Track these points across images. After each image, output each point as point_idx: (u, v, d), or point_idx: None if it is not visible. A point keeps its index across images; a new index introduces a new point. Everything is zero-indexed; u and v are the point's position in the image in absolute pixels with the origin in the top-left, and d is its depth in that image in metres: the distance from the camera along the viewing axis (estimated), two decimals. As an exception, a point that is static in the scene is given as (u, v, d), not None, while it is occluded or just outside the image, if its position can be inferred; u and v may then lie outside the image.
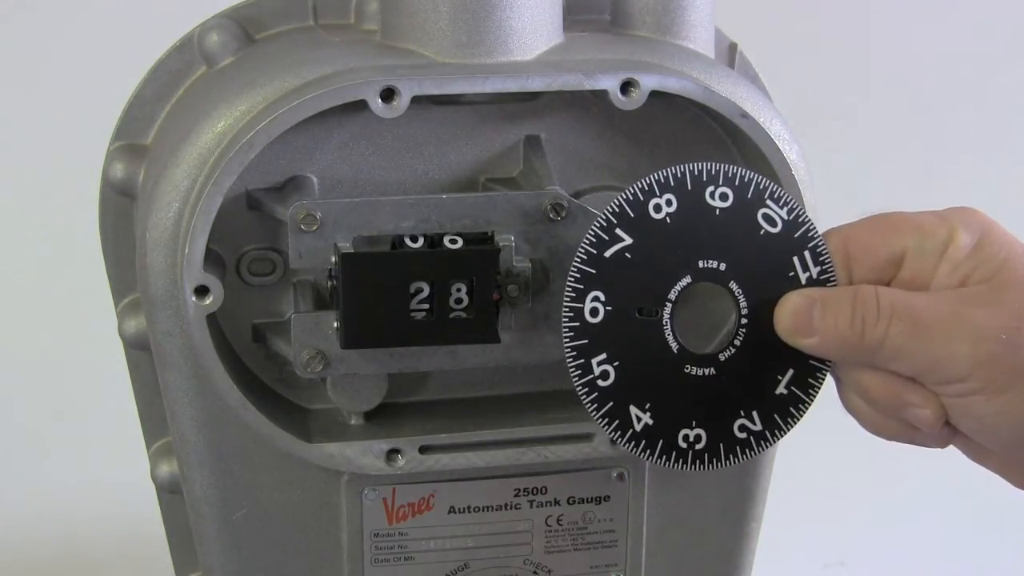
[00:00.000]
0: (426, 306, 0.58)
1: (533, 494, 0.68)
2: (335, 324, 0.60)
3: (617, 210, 0.56)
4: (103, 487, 1.21)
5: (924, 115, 1.41)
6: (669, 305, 0.57)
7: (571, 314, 0.56)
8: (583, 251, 0.56)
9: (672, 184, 0.56)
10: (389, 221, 0.59)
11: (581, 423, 0.64)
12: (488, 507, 0.68)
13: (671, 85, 0.60)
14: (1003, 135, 1.44)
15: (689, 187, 0.56)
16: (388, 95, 0.58)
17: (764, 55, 0.72)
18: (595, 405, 0.57)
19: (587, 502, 0.68)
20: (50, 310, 1.26)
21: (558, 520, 0.68)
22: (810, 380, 0.58)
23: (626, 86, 0.60)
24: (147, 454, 0.72)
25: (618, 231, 0.56)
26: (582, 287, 0.56)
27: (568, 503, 0.68)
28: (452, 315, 0.59)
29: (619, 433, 0.57)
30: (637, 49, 0.63)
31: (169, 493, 0.72)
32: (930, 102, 1.42)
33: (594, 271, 0.56)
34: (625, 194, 0.56)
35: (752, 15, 0.95)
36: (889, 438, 0.58)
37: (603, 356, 0.57)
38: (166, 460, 0.70)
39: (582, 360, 0.57)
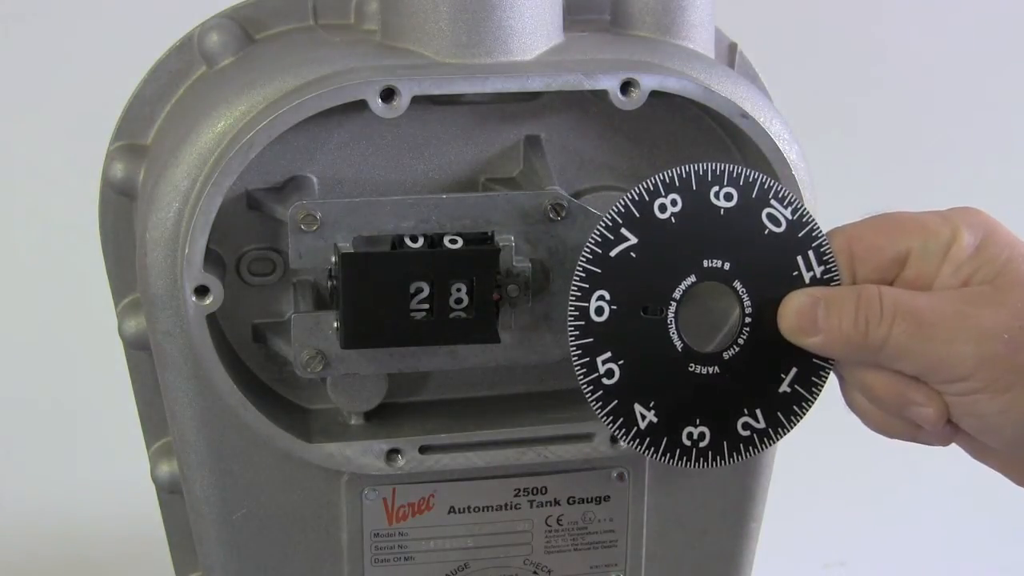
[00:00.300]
0: (426, 306, 0.58)
1: (533, 494, 0.68)
2: (335, 324, 0.60)
3: (623, 210, 0.56)
4: (103, 487, 1.21)
5: (924, 114, 1.41)
6: (674, 304, 0.57)
7: (576, 313, 0.57)
8: (588, 250, 0.56)
9: (677, 184, 0.56)
10: (389, 221, 0.59)
11: (581, 423, 0.64)
12: (488, 507, 0.68)
13: (671, 85, 0.60)
14: (1004, 134, 1.44)
15: (694, 187, 0.56)
16: (388, 95, 0.58)
17: (764, 55, 0.72)
18: (600, 403, 0.57)
19: (587, 502, 0.68)
20: (50, 310, 1.26)
21: (558, 520, 0.68)
22: (813, 378, 0.58)
23: (626, 86, 0.60)
24: (147, 454, 0.72)
25: (623, 231, 0.56)
26: (587, 286, 0.56)
27: (568, 503, 0.68)
28: (452, 315, 0.59)
29: (624, 431, 0.58)
30: (637, 49, 0.63)
31: (169, 493, 0.72)
32: (930, 101, 1.41)
33: (599, 270, 0.56)
34: (631, 194, 0.56)
35: (752, 15, 0.95)
36: (892, 436, 0.58)
37: (608, 355, 0.57)
38: (166, 460, 0.70)
39: (587, 359, 0.57)
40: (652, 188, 0.56)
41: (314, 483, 0.66)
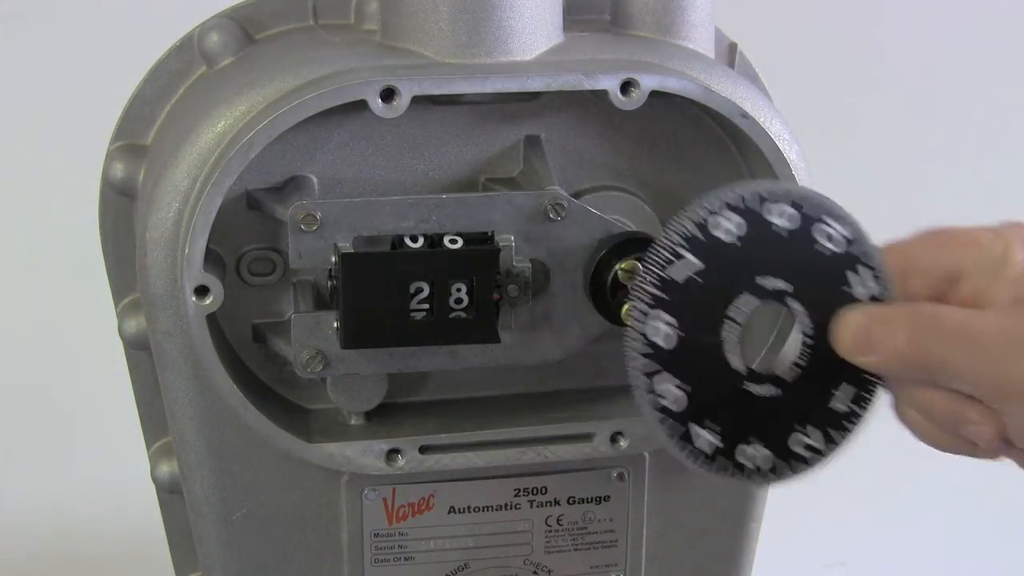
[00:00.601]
0: (426, 306, 0.58)
1: (533, 494, 0.68)
2: (335, 324, 0.60)
3: (687, 234, 0.55)
4: (103, 487, 1.21)
5: (924, 114, 1.41)
6: (734, 325, 0.56)
7: (643, 340, 0.55)
8: (654, 276, 0.55)
9: (736, 205, 0.55)
10: (389, 221, 0.59)
11: (581, 423, 0.64)
12: (488, 507, 0.68)
13: (671, 85, 0.60)
14: (1004, 134, 1.44)
15: (753, 207, 0.55)
16: (388, 95, 0.58)
17: (764, 55, 0.72)
18: (669, 431, 0.56)
19: (587, 502, 0.68)
20: (50, 310, 1.26)
21: (558, 520, 0.68)
22: (866, 395, 0.57)
23: (626, 86, 0.60)
24: (147, 454, 0.72)
25: (687, 255, 0.55)
26: (654, 312, 0.55)
27: (568, 503, 0.68)
28: (452, 315, 0.59)
29: (692, 458, 0.57)
30: (637, 49, 0.63)
31: (169, 493, 0.72)
32: (930, 101, 1.41)
33: (666, 296, 0.55)
34: (693, 216, 0.55)
35: (752, 15, 0.95)
36: (944, 450, 0.58)
37: (676, 381, 0.56)
38: (166, 460, 0.70)
39: (655, 387, 0.56)
40: (714, 210, 0.55)
41: (314, 483, 0.66)
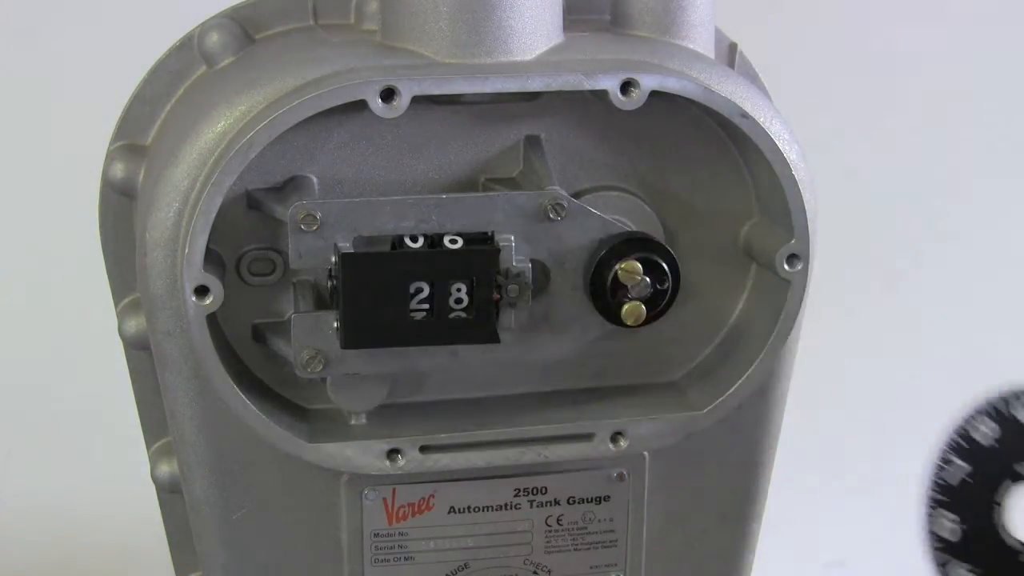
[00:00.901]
0: (426, 306, 0.58)
1: (533, 494, 0.68)
2: (335, 324, 0.60)
3: (954, 445, 0.64)
4: (103, 487, 1.21)
5: (925, 115, 1.41)
6: (1003, 509, 0.64)
7: (933, 537, 0.64)
8: (934, 484, 0.64)
9: (988, 412, 0.64)
10: (389, 221, 0.59)
11: (581, 423, 0.64)
12: (488, 507, 0.68)
13: (671, 85, 0.60)
14: (1005, 134, 1.43)
15: (1001, 410, 0.64)
16: (388, 95, 0.58)
17: (764, 55, 0.72)
18: None
19: (587, 502, 0.68)
20: (50, 310, 1.26)
21: (558, 520, 0.68)
22: None
23: (626, 86, 0.60)
24: (147, 454, 0.72)
25: (958, 462, 0.64)
26: (938, 513, 0.64)
27: (568, 503, 0.68)
28: (452, 315, 0.59)
29: None
30: (637, 49, 0.63)
31: (169, 493, 0.72)
32: (930, 102, 1.41)
33: (947, 499, 0.64)
34: (955, 428, 0.64)
35: (752, 15, 0.95)
36: None
37: (966, 566, 0.64)
38: (166, 460, 0.70)
39: (949, 573, 0.64)
40: (971, 419, 0.64)
41: (314, 483, 0.66)
